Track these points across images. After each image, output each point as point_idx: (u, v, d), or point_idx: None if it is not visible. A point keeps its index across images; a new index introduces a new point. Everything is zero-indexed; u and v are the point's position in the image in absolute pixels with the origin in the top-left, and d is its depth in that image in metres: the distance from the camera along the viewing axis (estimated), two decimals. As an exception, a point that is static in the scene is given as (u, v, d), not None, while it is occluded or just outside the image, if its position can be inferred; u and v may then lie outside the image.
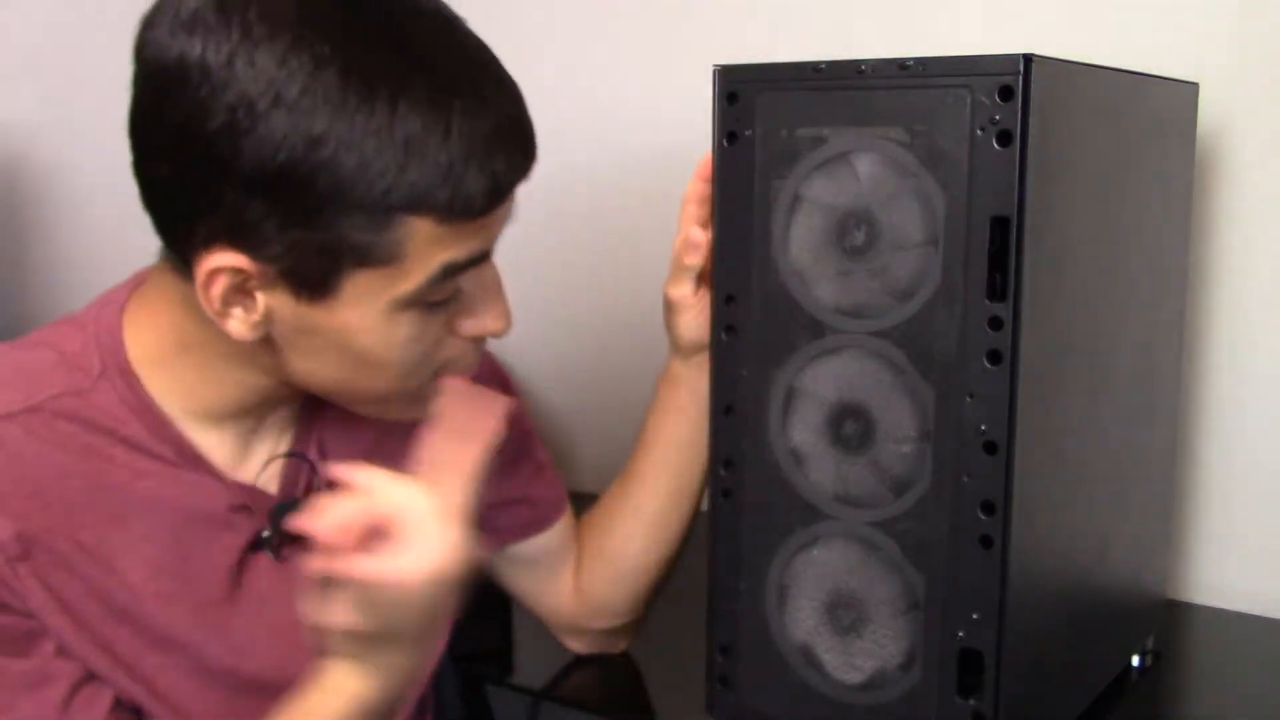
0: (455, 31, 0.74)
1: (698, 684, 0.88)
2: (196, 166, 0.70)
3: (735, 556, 0.84)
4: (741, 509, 0.84)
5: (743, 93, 0.80)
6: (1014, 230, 0.72)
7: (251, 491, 0.84)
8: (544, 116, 0.79)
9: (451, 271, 0.75)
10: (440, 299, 0.76)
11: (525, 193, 0.77)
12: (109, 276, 0.86)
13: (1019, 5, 1.18)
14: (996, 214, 0.72)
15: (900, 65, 0.74)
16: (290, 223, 0.70)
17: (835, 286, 0.78)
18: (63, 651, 0.77)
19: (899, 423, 0.77)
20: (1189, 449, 1.15)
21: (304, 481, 0.86)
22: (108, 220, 1.67)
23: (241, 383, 0.80)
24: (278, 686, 0.79)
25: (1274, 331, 1.11)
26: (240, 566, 0.83)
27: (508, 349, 0.94)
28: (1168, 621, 1.08)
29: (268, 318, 0.74)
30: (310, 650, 0.76)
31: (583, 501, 1.06)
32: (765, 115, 0.79)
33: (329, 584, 0.73)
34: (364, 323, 0.74)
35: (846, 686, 0.81)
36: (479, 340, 0.82)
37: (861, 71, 0.76)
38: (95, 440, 0.78)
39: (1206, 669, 1.08)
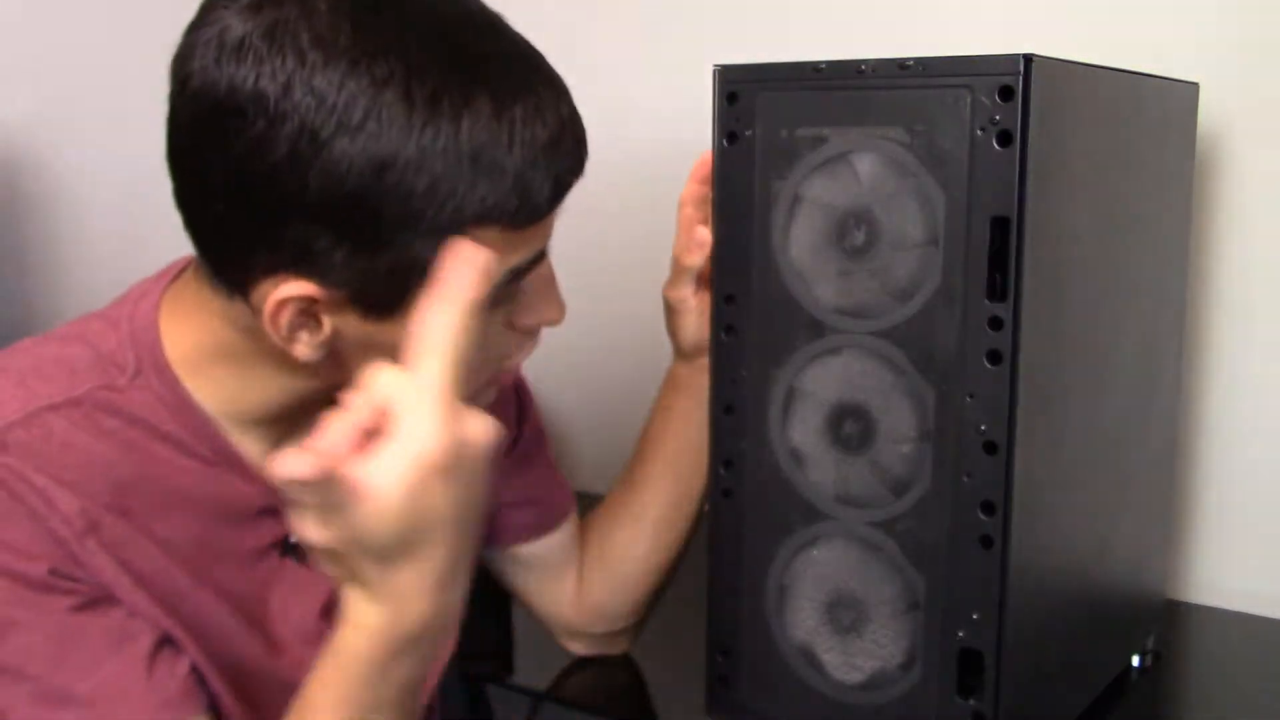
0: (503, 34, 0.72)
1: (698, 684, 0.88)
2: (258, 202, 0.67)
3: (735, 556, 0.84)
4: (741, 509, 0.84)
5: (742, 93, 0.80)
6: (1014, 230, 0.72)
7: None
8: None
9: (518, 275, 0.74)
10: (502, 298, 0.75)
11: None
12: (109, 276, 0.86)
13: (1019, 5, 1.18)
14: (996, 214, 0.72)
15: (900, 65, 0.74)
16: (360, 249, 0.68)
17: (835, 286, 0.78)
18: (136, 617, 0.75)
19: (899, 423, 0.77)
20: (1189, 449, 1.15)
21: None
22: (108, 220, 1.67)
23: (285, 388, 0.79)
24: None
25: (1274, 331, 1.11)
26: (268, 567, 0.83)
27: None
28: (1168, 621, 1.07)
29: (334, 336, 0.72)
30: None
31: (583, 501, 1.06)
32: (765, 115, 0.79)
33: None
34: None
35: (846, 687, 0.81)
36: (536, 331, 0.81)
37: (861, 71, 0.76)
38: (136, 435, 0.76)
39: (1206, 669, 1.08)
